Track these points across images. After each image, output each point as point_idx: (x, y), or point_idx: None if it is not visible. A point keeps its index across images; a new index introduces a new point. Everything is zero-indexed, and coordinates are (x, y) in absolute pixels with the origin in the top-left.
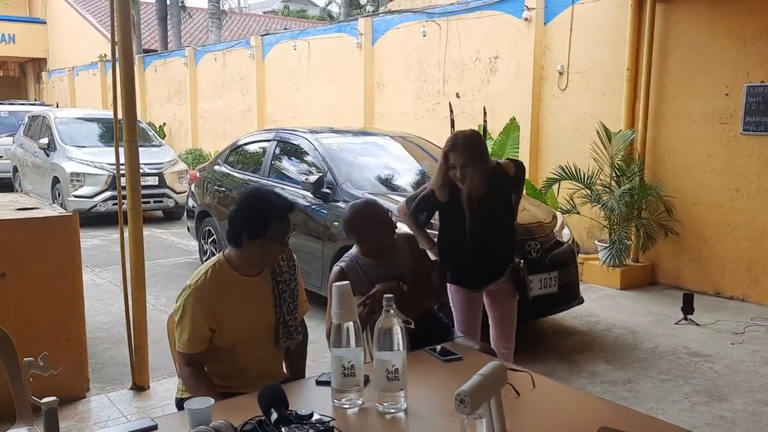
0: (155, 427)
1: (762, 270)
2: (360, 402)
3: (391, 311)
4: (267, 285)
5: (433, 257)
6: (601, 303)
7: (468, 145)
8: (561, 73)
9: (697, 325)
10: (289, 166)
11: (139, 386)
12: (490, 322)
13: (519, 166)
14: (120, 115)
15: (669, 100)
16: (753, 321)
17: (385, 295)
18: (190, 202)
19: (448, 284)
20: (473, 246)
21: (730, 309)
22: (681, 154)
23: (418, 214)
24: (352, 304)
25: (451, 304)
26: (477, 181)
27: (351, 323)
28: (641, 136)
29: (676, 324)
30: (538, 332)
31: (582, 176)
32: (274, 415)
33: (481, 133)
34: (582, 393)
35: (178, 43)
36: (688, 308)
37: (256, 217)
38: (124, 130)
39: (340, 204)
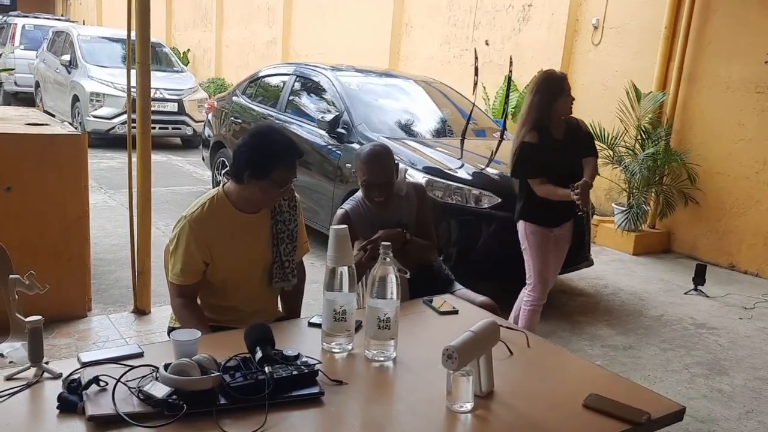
0: (141, 354)
1: None
2: (349, 347)
3: (388, 259)
4: (265, 223)
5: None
6: (612, 267)
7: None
8: (596, 27)
9: (707, 297)
10: (306, 102)
11: (141, 310)
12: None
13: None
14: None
15: (705, 63)
16: (764, 297)
17: (383, 243)
18: (206, 132)
19: (522, 226)
20: (560, 182)
21: (743, 283)
22: (711, 121)
23: (535, 175)
24: (348, 248)
25: (526, 246)
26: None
27: (345, 268)
28: (672, 99)
29: (685, 294)
30: None
31: (606, 136)
32: (259, 354)
33: (506, 84)
34: (576, 357)
35: None
36: (699, 279)
37: (261, 157)
38: (137, 52)
39: (355, 145)
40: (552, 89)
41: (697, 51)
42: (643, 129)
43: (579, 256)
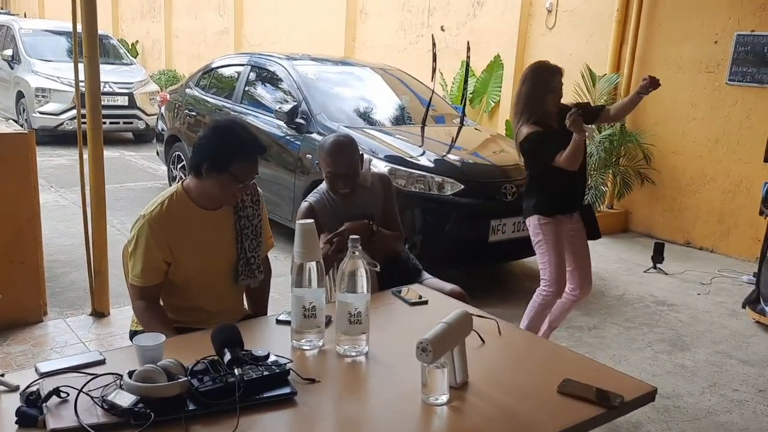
0: (103, 362)
1: (733, 222)
2: (320, 344)
3: (357, 253)
4: (228, 220)
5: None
6: None
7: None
8: (549, 11)
9: (666, 274)
10: (263, 93)
11: (99, 312)
12: (569, 271)
13: None
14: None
15: (657, 45)
16: (720, 272)
17: (351, 236)
18: (160, 125)
19: (536, 221)
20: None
21: (700, 259)
22: (664, 101)
23: (554, 155)
24: (315, 243)
25: (540, 240)
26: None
27: (314, 263)
28: (626, 81)
29: (645, 272)
30: (508, 276)
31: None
32: (228, 356)
33: (464, 70)
34: (548, 342)
35: None
36: (658, 257)
37: (220, 150)
38: (84, 45)
39: (315, 136)
40: (540, 84)
41: (648, 33)
42: None
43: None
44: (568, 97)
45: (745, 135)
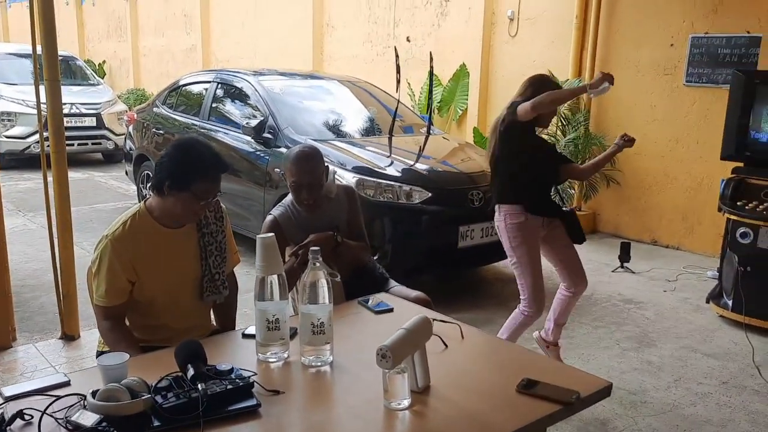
0: (68, 383)
1: (697, 219)
2: (285, 355)
3: (317, 264)
4: (192, 237)
5: None
6: None
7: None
8: (511, 19)
9: (633, 273)
10: (230, 109)
11: (69, 336)
12: (559, 272)
13: None
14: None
15: (616, 49)
16: (685, 269)
17: (311, 248)
18: (128, 145)
19: (508, 226)
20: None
21: (666, 257)
22: (625, 104)
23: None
24: (276, 256)
25: (513, 253)
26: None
27: (275, 276)
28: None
29: (612, 272)
30: (480, 280)
31: None
32: (191, 371)
33: (429, 80)
34: (509, 344)
35: None
36: (625, 256)
37: (182, 168)
38: (44, 68)
39: (282, 150)
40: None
41: (607, 38)
42: (563, 116)
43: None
44: None
45: (704, 134)
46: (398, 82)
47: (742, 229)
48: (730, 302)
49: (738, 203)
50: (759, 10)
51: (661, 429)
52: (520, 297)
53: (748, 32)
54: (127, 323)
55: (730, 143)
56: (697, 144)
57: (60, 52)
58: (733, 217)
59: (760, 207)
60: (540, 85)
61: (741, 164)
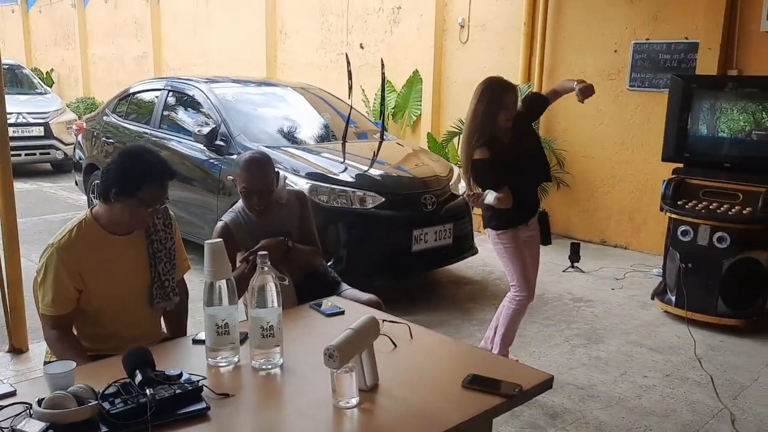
0: (13, 393)
1: (643, 219)
2: (235, 360)
3: (266, 268)
4: (140, 244)
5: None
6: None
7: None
8: (462, 26)
9: (583, 272)
10: (182, 117)
11: (17, 349)
12: None
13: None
14: None
15: (563, 55)
16: (632, 267)
17: (259, 253)
18: (78, 154)
19: (494, 235)
20: (532, 178)
21: (614, 256)
22: (572, 108)
23: (496, 188)
24: (224, 261)
25: (501, 251)
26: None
27: (224, 281)
28: (537, 91)
29: (563, 272)
30: (434, 282)
31: None
32: (139, 377)
33: (381, 86)
34: (456, 342)
35: None
36: (575, 257)
37: (128, 175)
38: None
39: (235, 157)
40: (492, 101)
41: (554, 44)
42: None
43: (463, 247)
44: None
45: (647, 137)
46: (350, 88)
47: (682, 228)
48: (673, 298)
49: (678, 202)
50: (696, 16)
51: (608, 422)
52: (510, 284)
53: (687, 38)
54: (75, 333)
55: (670, 145)
56: (642, 146)
57: (5, 61)
58: (674, 216)
59: (699, 206)
60: (488, 98)
61: (681, 165)
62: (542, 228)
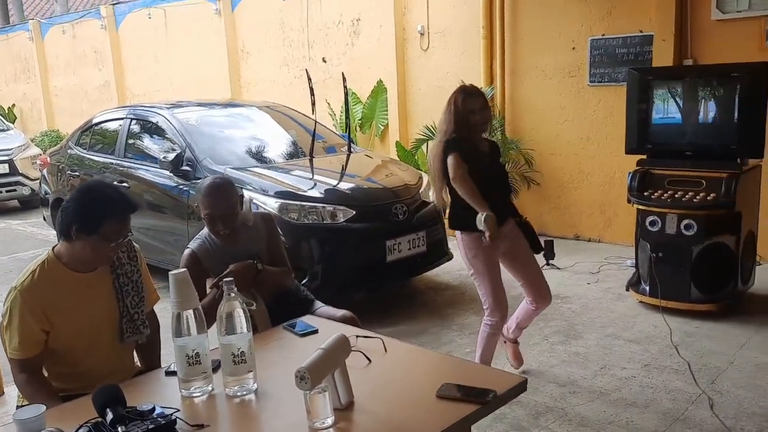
0: None
1: (614, 212)
2: (209, 389)
3: (233, 294)
4: (105, 280)
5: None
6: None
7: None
8: (422, 34)
9: (558, 268)
10: (147, 144)
11: None
12: (522, 287)
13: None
14: None
15: (523, 56)
16: (606, 260)
17: (225, 279)
18: (44, 189)
19: (464, 241)
20: (490, 185)
21: (588, 251)
22: (537, 107)
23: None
24: (190, 291)
25: (470, 266)
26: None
27: (191, 311)
28: (500, 93)
29: None
30: (412, 291)
31: None
32: (110, 415)
33: (345, 100)
34: (430, 352)
35: (21, 16)
36: (549, 254)
37: (89, 211)
38: None
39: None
40: (462, 106)
41: (513, 46)
42: None
43: (438, 253)
44: None
45: (611, 130)
46: (313, 104)
47: (650, 218)
48: (647, 288)
49: (645, 193)
50: (649, 10)
51: (589, 417)
52: (483, 307)
53: (641, 31)
54: (46, 374)
55: (632, 138)
56: (606, 140)
57: None
58: (641, 207)
59: (665, 195)
60: (454, 104)
61: (644, 156)
62: (528, 236)
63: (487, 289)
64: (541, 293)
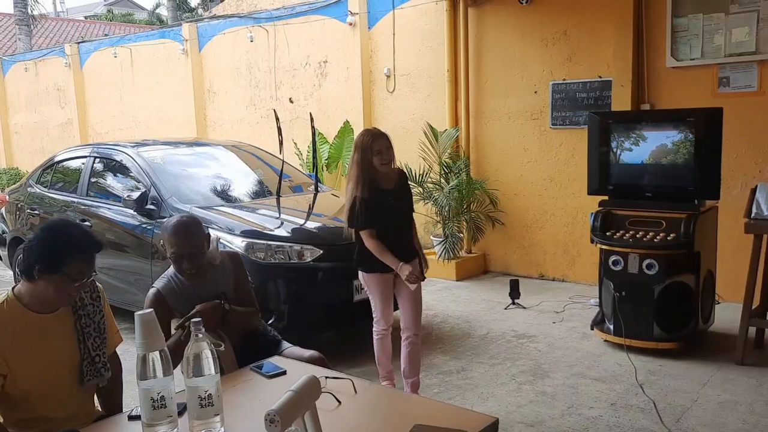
0: None
1: (577, 252)
2: None
3: (200, 335)
4: (67, 321)
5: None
6: (439, 295)
7: (381, 131)
8: (388, 76)
9: (524, 308)
10: (110, 183)
11: None
12: (402, 311)
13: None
14: None
15: (487, 99)
16: (571, 299)
17: (192, 320)
18: (1, 228)
19: (364, 276)
20: (391, 230)
21: (553, 290)
22: (501, 149)
23: (365, 226)
24: (156, 332)
25: (367, 290)
26: (394, 161)
27: (157, 353)
28: (465, 134)
29: (505, 309)
30: None
31: (414, 175)
32: None
33: (312, 140)
34: (400, 393)
35: None
36: (515, 293)
37: (52, 251)
38: None
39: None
40: (365, 148)
41: (478, 89)
42: (445, 164)
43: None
44: (415, 154)
45: (573, 172)
46: (281, 143)
47: (613, 257)
48: (611, 327)
49: (607, 233)
50: (606, 56)
51: None
52: (374, 319)
53: (600, 77)
54: (2, 419)
55: (594, 179)
56: (569, 181)
57: None
58: (604, 246)
59: (627, 235)
60: (360, 147)
61: (606, 197)
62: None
63: (375, 301)
64: (414, 320)
